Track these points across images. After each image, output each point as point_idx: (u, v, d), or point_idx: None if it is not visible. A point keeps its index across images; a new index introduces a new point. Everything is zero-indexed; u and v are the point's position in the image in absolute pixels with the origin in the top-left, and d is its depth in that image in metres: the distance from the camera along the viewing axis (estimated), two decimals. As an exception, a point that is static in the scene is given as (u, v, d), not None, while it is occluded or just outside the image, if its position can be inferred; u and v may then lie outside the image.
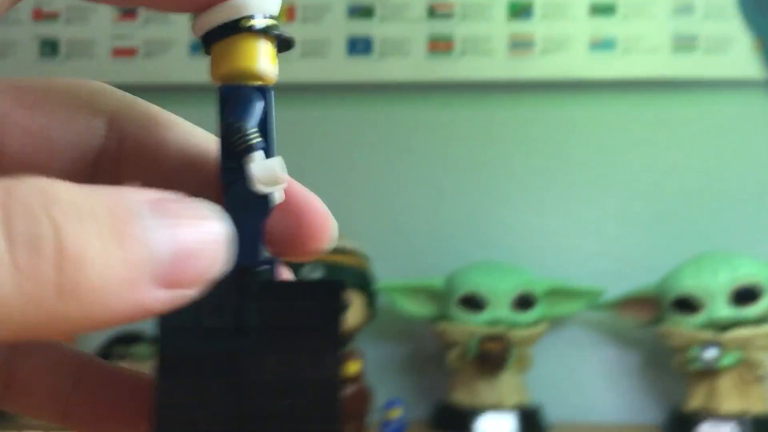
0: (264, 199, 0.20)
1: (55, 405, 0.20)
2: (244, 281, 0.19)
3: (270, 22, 0.20)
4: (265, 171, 0.19)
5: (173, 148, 0.21)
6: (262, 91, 0.21)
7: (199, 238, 0.16)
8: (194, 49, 1.16)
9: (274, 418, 0.18)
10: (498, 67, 1.15)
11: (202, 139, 0.21)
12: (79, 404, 0.20)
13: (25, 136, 0.19)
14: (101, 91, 0.21)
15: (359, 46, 1.16)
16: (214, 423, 0.18)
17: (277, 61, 0.21)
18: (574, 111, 1.15)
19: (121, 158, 0.20)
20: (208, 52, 0.21)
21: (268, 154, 0.20)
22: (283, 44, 0.21)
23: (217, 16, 0.20)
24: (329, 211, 0.21)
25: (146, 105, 0.21)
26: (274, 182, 0.20)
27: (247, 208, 0.20)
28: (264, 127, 0.21)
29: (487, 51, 1.15)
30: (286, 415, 0.18)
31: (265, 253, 0.20)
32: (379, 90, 1.17)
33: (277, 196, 0.20)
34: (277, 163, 0.20)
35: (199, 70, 1.15)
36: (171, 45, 1.17)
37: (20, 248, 0.13)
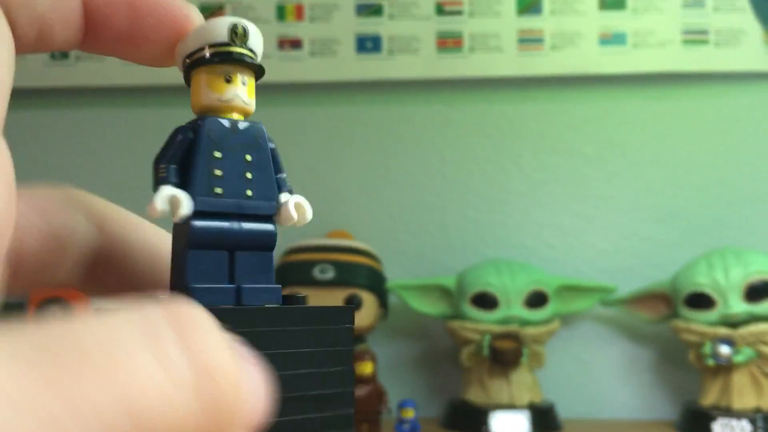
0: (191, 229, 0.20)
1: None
2: (241, 309, 0.19)
3: (202, 53, 0.21)
4: (160, 200, 0.20)
5: (145, 245, 0.22)
6: (194, 125, 0.21)
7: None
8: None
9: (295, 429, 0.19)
10: (508, 63, 1.14)
11: (160, 237, 0.23)
12: None
13: (40, 238, 0.21)
14: (90, 199, 0.22)
15: (368, 44, 1.16)
16: None
17: (223, 86, 0.21)
18: (584, 106, 1.15)
19: (110, 255, 0.22)
20: None
21: (187, 187, 0.20)
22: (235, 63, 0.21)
23: (178, 57, 0.21)
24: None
25: (119, 209, 0.23)
26: (170, 213, 0.20)
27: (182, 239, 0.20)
28: (186, 160, 0.21)
29: (497, 47, 1.14)
30: (305, 427, 0.19)
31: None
32: (388, 88, 1.17)
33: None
34: (170, 195, 0.20)
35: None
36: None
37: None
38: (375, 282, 1.03)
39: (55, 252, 0.21)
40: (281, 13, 1.17)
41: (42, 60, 1.19)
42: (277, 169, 0.22)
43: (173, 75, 1.15)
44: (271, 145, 0.22)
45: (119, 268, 0.22)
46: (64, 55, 1.19)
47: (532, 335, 1.00)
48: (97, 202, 0.22)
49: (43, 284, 0.21)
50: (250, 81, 0.21)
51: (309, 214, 0.21)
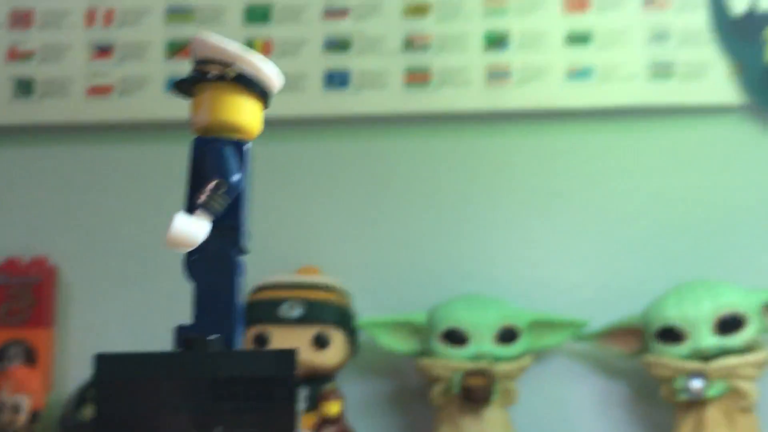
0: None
1: None
2: (195, 351, 0.18)
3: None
4: None
5: None
6: None
7: None
8: (170, 85, 1.15)
9: None
10: (475, 97, 1.14)
11: None
12: None
13: None
14: None
15: (336, 80, 1.16)
16: None
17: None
18: (552, 140, 1.15)
19: None
20: None
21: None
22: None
23: None
24: None
25: None
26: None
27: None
28: None
29: (464, 82, 1.15)
30: None
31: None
32: (356, 123, 1.16)
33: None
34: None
35: (174, 106, 1.14)
36: (147, 82, 1.16)
37: None
38: (344, 319, 1.01)
39: None
40: (250, 46, 1.17)
41: (5, 97, 1.17)
42: None
43: (142, 110, 1.13)
44: None
45: None
46: (27, 92, 1.17)
47: (504, 371, 0.98)
48: None
49: None
50: None
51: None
